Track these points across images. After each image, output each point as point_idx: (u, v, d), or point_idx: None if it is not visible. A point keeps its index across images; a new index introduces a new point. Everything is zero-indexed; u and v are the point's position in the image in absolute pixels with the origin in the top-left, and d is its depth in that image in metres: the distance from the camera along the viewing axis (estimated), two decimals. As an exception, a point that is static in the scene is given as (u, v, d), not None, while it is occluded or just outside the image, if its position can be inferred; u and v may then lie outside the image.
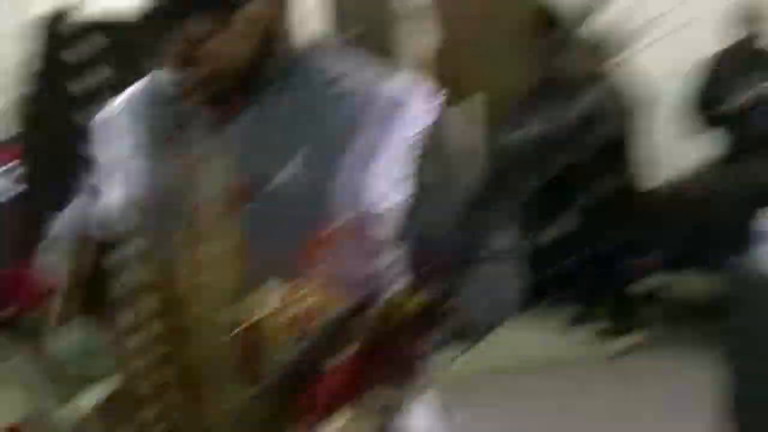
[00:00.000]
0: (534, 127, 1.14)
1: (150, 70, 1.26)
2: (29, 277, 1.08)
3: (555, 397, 3.75)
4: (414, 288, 1.13)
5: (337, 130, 1.21)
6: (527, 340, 3.95)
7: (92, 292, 1.12)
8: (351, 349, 1.14)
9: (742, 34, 4.69)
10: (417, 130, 1.21)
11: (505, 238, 1.23)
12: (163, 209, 1.15)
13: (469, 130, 1.38)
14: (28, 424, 1.05)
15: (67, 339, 1.06)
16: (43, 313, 1.07)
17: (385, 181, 1.20)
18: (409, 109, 1.22)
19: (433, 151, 1.22)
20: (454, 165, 1.26)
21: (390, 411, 1.18)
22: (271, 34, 1.19)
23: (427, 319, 1.13)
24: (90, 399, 1.02)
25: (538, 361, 4.10)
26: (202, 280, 1.08)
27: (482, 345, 1.25)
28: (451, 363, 1.21)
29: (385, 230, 1.21)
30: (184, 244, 1.09)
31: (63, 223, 1.28)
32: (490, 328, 1.25)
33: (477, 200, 1.14)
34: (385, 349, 1.14)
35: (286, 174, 1.17)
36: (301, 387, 1.13)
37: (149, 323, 1.08)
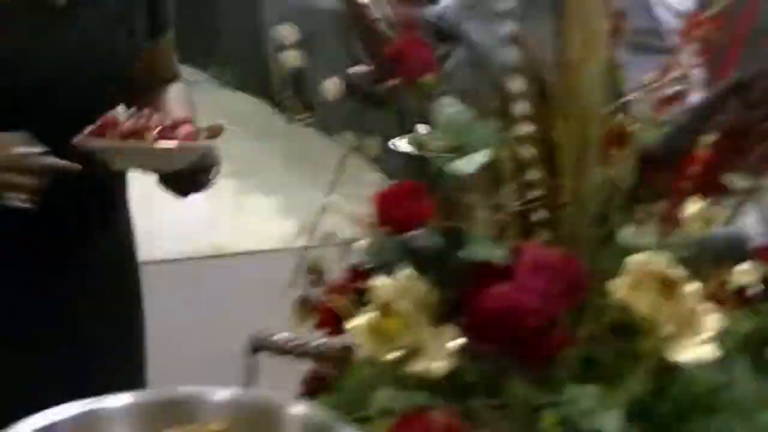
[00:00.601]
0: None
1: None
2: (412, 48, 1.15)
3: None
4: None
5: None
6: None
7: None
8: (714, 135, 1.17)
9: None
10: None
11: None
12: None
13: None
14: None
15: (447, 109, 1.14)
16: (425, 84, 1.15)
17: None
18: None
19: None
20: None
21: (742, 202, 1.21)
22: None
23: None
24: (467, 166, 1.10)
25: None
26: (573, 61, 1.13)
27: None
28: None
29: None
30: (555, 26, 1.14)
31: None
32: None
33: None
34: (747, 138, 1.17)
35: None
36: (663, 170, 1.17)
37: (520, 102, 1.14)
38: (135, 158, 1.77)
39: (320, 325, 1.22)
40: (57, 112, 1.80)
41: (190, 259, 5.45)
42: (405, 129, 1.14)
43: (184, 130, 1.77)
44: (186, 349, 3.87)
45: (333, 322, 1.20)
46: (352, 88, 1.16)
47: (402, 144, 1.16)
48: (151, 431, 1.09)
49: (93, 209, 1.94)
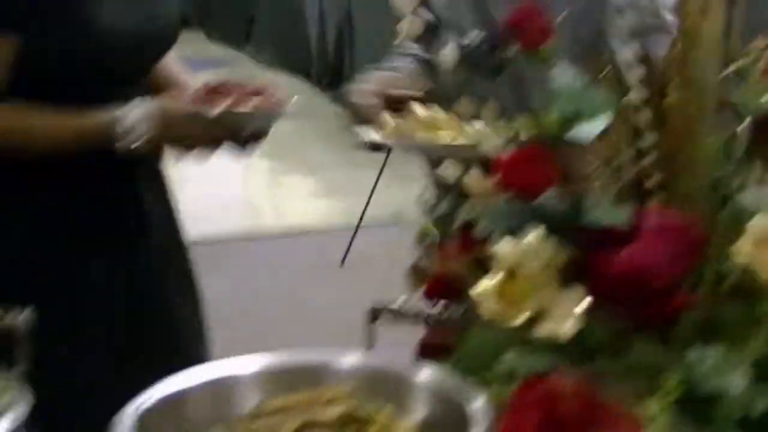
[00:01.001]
0: None
1: None
2: (531, 15, 1.17)
3: None
4: None
5: None
6: None
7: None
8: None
9: None
10: None
11: None
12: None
13: None
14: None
15: (563, 75, 1.16)
16: (545, 51, 1.16)
17: None
18: None
19: None
20: None
21: None
22: None
23: None
24: (586, 133, 1.11)
25: None
26: (690, 26, 1.14)
27: None
28: None
29: None
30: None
31: None
32: None
33: None
34: None
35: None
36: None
37: (635, 67, 1.16)
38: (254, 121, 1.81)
39: (433, 293, 1.24)
40: (114, 78, 1.83)
41: (226, 239, 5.47)
42: (521, 97, 1.16)
43: (268, 95, 1.82)
44: (229, 328, 3.90)
45: (447, 288, 1.22)
46: (468, 56, 1.18)
47: (367, 133, 1.18)
48: (278, 394, 1.11)
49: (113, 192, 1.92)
